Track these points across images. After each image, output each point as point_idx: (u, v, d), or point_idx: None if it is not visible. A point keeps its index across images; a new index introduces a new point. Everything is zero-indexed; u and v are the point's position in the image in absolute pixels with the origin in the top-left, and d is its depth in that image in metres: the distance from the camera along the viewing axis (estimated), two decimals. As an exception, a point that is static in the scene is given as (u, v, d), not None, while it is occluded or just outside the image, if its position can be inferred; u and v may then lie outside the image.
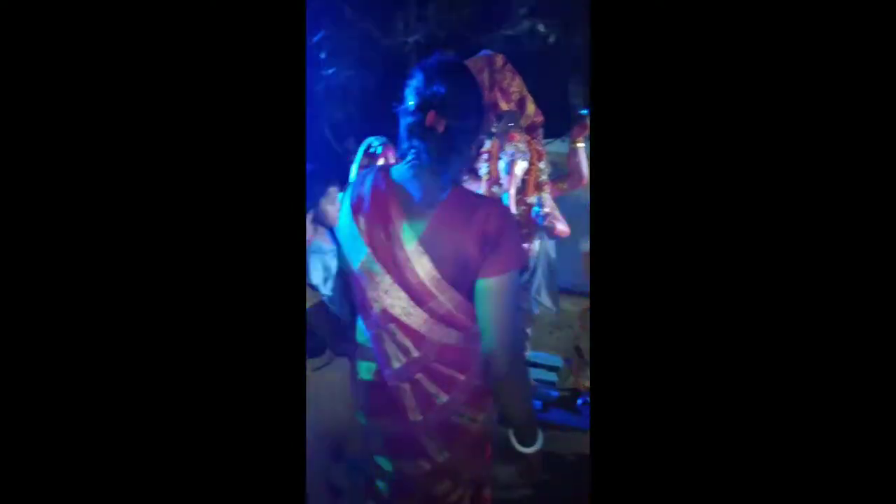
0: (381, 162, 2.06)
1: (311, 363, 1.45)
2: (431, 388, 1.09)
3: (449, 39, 3.38)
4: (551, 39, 3.82)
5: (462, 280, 1.03)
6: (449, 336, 1.07)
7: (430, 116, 0.99)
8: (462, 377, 1.09)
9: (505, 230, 1.01)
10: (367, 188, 1.09)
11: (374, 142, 2.05)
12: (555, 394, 2.59)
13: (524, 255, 0.97)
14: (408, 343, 1.08)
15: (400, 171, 1.08)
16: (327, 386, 1.45)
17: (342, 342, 1.41)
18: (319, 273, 1.71)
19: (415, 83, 1.03)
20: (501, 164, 2.19)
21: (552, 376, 2.72)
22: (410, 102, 1.02)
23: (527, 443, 1.09)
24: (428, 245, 1.02)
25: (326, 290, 1.70)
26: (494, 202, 1.23)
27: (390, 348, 1.09)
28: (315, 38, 3.58)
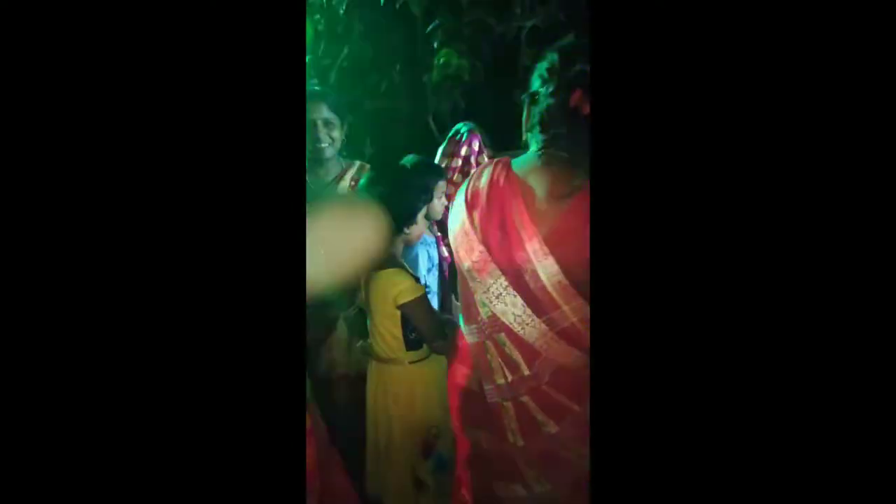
0: (464, 151, 1.98)
1: (408, 355, 1.43)
2: (539, 415, 0.95)
3: (569, 22, 3.17)
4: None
5: None
6: (567, 356, 0.92)
7: (576, 96, 0.86)
8: (577, 408, 0.93)
9: None
10: (483, 182, 0.98)
11: (462, 128, 1.98)
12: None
13: None
14: (518, 358, 0.94)
15: (524, 162, 0.96)
16: (422, 382, 1.42)
17: (439, 339, 1.37)
18: (424, 264, 1.69)
19: (547, 65, 0.90)
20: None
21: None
22: (546, 84, 0.89)
23: None
24: (555, 245, 0.88)
25: (430, 280, 1.67)
26: None
27: (495, 361, 0.97)
28: (429, 28, 3.60)
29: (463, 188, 1.03)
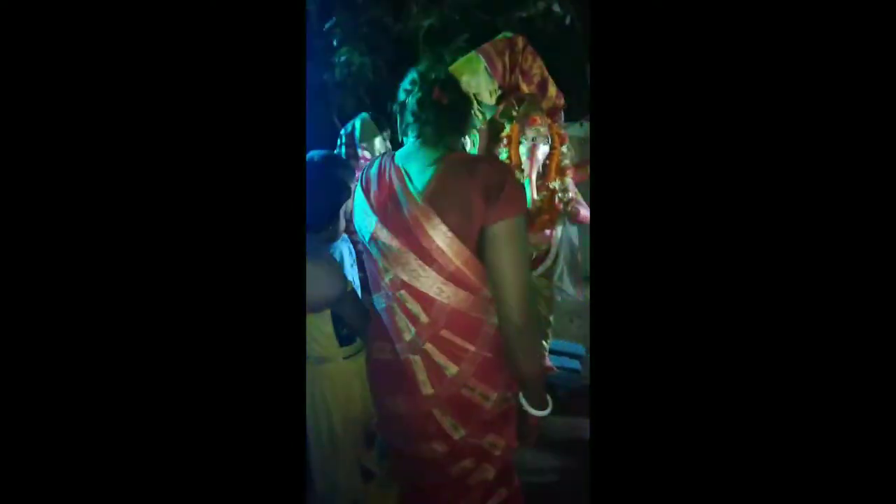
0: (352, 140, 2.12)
1: (341, 351, 1.45)
2: (440, 358, 1.08)
3: (463, 22, 3.32)
4: (567, 21, 3.76)
5: (468, 232, 1.04)
6: (458, 298, 1.06)
7: (436, 91, 1.10)
8: (472, 348, 1.07)
9: (506, 179, 1.05)
10: (374, 170, 1.17)
11: (356, 121, 2.08)
12: (578, 382, 2.59)
13: (526, 201, 1.12)
14: (417, 309, 1.08)
15: (403, 152, 1.16)
16: (358, 374, 1.45)
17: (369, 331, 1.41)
18: (347, 260, 1.70)
19: (409, 80, 1.14)
20: (522, 149, 2.16)
21: (575, 364, 2.71)
22: (411, 93, 1.13)
23: (538, 405, 1.09)
24: (433, 201, 1.05)
25: (352, 275, 1.69)
26: (492, 157, 1.32)
27: (401, 320, 1.10)
28: (326, 26, 3.53)
29: (360, 178, 1.23)
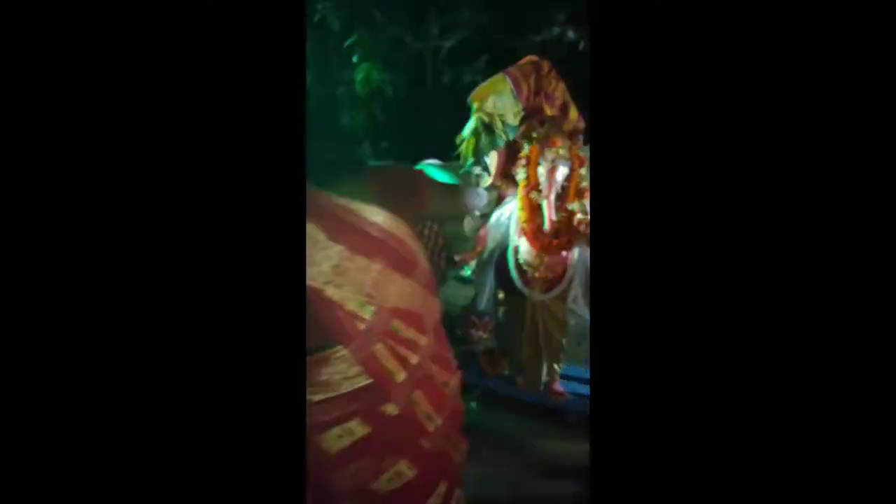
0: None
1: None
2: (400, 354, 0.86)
3: (483, 45, 3.38)
4: (581, 46, 3.84)
5: None
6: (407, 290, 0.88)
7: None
8: (424, 340, 0.88)
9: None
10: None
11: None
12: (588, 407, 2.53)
13: None
14: (413, 334, 0.87)
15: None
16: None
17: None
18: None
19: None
20: (541, 170, 2.16)
21: (586, 389, 2.66)
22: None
23: None
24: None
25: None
26: None
27: (390, 361, 0.87)
28: (347, 42, 3.61)
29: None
